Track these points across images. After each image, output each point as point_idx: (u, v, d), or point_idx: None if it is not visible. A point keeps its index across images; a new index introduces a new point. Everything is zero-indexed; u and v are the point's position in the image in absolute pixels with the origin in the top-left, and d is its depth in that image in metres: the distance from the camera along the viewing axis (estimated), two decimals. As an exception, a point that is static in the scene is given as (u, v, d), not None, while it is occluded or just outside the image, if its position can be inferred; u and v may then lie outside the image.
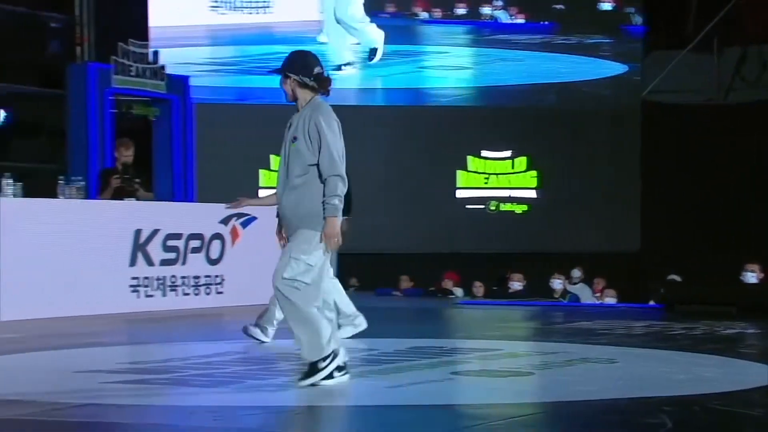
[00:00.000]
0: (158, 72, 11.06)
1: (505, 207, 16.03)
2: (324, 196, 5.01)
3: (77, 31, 14.57)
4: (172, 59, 11.93)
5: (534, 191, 16.11)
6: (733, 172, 16.65)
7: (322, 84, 5.15)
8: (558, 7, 16.34)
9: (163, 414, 4.65)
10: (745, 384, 5.37)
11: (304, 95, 5.14)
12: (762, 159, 16.97)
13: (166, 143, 11.37)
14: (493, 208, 16.02)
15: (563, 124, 16.02)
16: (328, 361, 5.03)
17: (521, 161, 16.08)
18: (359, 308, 7.28)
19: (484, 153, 15.98)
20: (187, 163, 11.48)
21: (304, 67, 5.13)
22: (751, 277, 10.61)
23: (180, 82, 11.47)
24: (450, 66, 16.13)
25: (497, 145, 15.96)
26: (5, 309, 8.21)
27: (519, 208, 16.07)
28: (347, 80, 15.55)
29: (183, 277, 9.73)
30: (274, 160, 15.20)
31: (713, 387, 5.27)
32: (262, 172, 15.30)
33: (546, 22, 16.30)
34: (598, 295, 12.93)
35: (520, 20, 16.20)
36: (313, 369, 5.04)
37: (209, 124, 13.73)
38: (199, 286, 9.87)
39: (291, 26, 15.54)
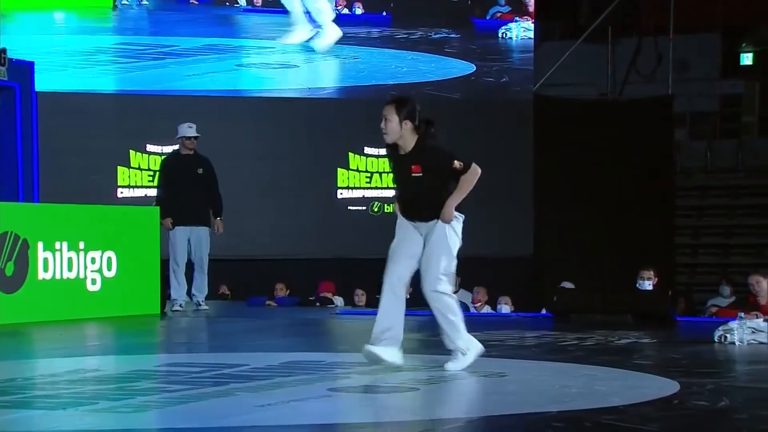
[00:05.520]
0: (-1, 58, 10.72)
1: (390, 209, 16.02)
2: None
3: None
4: None
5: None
6: (630, 171, 17.01)
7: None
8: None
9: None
10: (640, 397, 5.49)
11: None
12: (655, 159, 17.46)
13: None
14: (376, 209, 16.00)
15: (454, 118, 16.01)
16: None
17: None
18: (227, 317, 7.17)
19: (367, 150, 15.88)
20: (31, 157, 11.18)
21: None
22: (647, 284, 10.80)
23: (23, 69, 11.16)
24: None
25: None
26: None
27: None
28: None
29: None
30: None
31: (606, 401, 5.37)
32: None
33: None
34: (477, 305, 12.60)
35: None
36: None
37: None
38: None
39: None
